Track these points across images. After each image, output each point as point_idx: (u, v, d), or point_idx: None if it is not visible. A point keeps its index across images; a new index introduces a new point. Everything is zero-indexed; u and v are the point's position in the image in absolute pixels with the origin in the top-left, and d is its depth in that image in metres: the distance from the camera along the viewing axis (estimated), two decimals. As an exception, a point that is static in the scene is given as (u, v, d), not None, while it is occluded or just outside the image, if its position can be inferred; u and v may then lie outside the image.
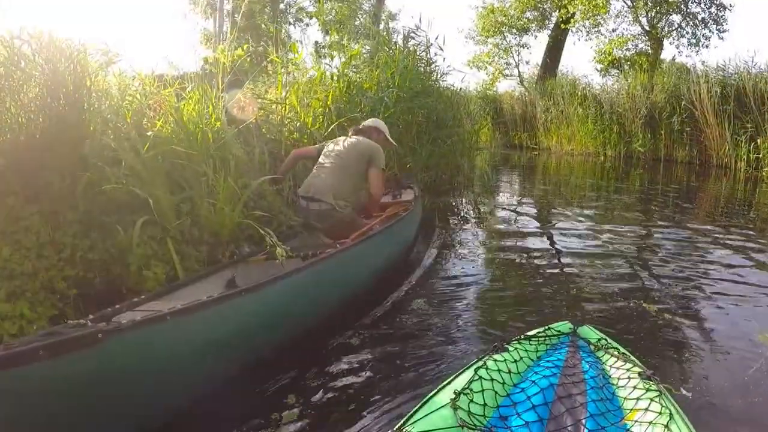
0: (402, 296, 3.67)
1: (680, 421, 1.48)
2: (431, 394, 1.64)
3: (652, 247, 5.28)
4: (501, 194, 9.11)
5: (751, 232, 6.03)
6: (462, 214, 6.67)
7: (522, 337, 1.99)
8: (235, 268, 3.36)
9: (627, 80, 15.96)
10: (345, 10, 23.43)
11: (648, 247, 5.30)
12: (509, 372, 1.77)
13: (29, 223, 3.20)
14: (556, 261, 4.65)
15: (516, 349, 1.89)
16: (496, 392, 1.68)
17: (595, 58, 20.65)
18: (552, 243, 5.34)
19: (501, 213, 6.88)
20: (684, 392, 2.37)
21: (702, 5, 17.37)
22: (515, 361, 1.83)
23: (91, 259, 3.33)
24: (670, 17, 17.80)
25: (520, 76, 22.94)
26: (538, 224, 6.37)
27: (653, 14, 17.69)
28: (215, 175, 3.40)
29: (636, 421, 1.54)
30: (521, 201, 8.40)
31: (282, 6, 23.03)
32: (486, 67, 23.41)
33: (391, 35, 8.89)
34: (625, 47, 19.44)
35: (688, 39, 17.68)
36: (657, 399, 1.58)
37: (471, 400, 1.59)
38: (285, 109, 4.90)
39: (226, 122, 3.95)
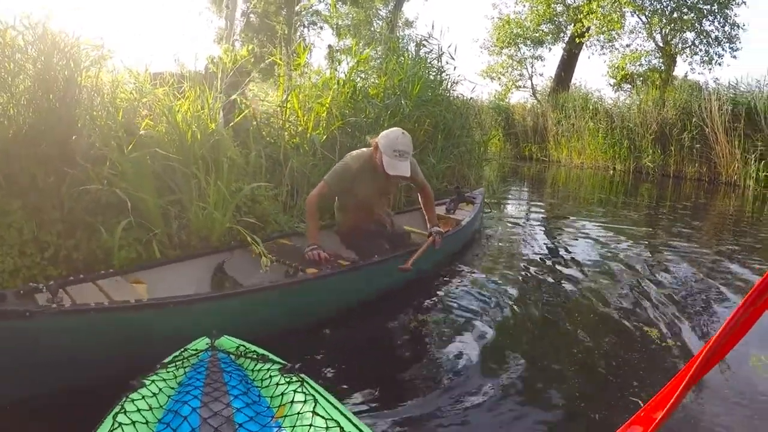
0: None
1: (325, 402, 1.57)
2: None
3: (657, 267, 5.11)
4: (509, 207, 8.95)
5: (756, 254, 5.89)
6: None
7: (159, 366, 1.86)
8: (231, 254, 3.28)
9: (639, 96, 15.83)
10: (361, 15, 23.45)
11: (654, 266, 5.13)
12: (150, 409, 1.64)
13: (12, 219, 3.11)
14: (560, 281, 4.49)
15: (153, 381, 1.76)
16: None
17: (608, 72, 20.58)
18: (557, 261, 5.17)
19: (506, 228, 6.70)
20: None
21: (716, 24, 17.39)
22: (154, 395, 1.70)
23: (75, 259, 3.24)
24: (684, 35, 17.79)
25: (533, 87, 22.86)
26: (545, 240, 6.18)
27: (667, 31, 17.62)
28: (206, 177, 3.27)
29: (286, 416, 1.59)
30: (528, 215, 8.23)
31: (297, 8, 22.99)
32: (499, 78, 23.32)
33: (402, 41, 8.74)
34: (638, 63, 19.40)
35: (701, 56, 17.70)
36: (300, 389, 1.65)
37: None
38: (286, 113, 4.77)
39: (224, 124, 3.82)
